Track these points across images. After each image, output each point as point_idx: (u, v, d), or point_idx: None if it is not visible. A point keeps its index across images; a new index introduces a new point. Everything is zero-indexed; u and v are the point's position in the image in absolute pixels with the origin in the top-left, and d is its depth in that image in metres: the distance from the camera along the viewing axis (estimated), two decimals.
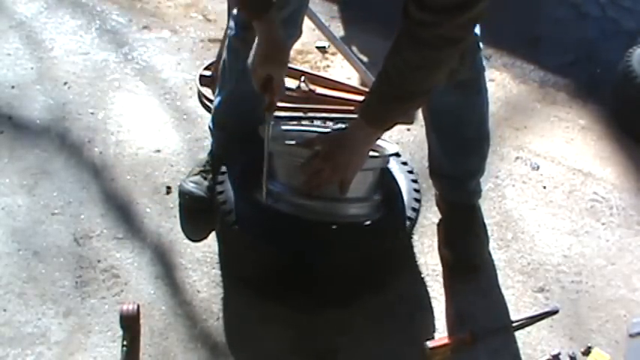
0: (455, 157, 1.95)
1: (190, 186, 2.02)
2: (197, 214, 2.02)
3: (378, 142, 1.77)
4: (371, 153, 1.78)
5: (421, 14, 1.30)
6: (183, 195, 2.03)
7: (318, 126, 2.01)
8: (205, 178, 2.02)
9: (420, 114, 2.13)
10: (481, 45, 1.76)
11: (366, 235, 1.70)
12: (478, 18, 1.33)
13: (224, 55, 1.97)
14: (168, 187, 2.12)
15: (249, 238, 1.69)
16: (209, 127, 2.10)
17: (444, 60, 1.39)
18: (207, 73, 2.51)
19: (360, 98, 2.12)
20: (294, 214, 1.65)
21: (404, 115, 1.55)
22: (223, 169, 1.83)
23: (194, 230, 2.01)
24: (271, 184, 1.71)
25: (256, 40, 1.61)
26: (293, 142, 1.75)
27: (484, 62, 1.82)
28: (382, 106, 1.48)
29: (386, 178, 1.86)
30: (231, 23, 1.88)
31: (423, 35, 1.34)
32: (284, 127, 1.93)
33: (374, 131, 1.55)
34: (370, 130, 1.54)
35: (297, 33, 1.87)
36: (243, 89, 1.94)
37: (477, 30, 1.71)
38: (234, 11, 1.85)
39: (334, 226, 1.68)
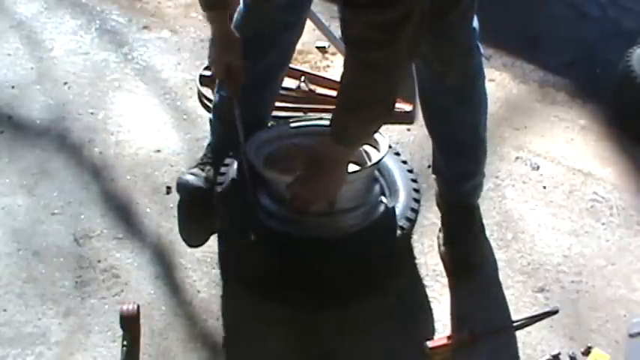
0: (449, 159, 1.96)
1: (188, 177, 2.00)
2: (195, 212, 2.01)
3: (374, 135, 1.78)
4: (365, 147, 1.79)
5: (344, 11, 1.30)
6: (181, 186, 2.01)
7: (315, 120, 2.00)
8: (203, 170, 2.01)
9: (420, 114, 2.13)
10: (481, 49, 1.75)
11: (365, 236, 1.70)
12: (402, 22, 1.25)
13: None
14: (168, 187, 2.12)
15: (249, 239, 1.69)
16: (210, 120, 2.10)
17: (379, 64, 1.33)
18: (207, 73, 2.51)
19: None
20: (288, 232, 1.66)
21: (368, 130, 1.50)
22: (223, 169, 1.83)
23: (191, 232, 2.00)
24: (264, 200, 1.72)
25: (211, 34, 1.78)
26: (276, 172, 1.75)
27: (483, 66, 1.81)
28: (344, 123, 1.46)
29: (384, 176, 1.86)
30: (240, 6, 1.88)
31: (349, 35, 1.32)
32: (285, 127, 1.93)
33: (346, 150, 1.53)
34: (342, 149, 1.52)
35: (300, 25, 1.89)
36: (245, 85, 1.94)
37: (476, 29, 1.71)
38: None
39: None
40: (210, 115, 2.11)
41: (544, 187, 2.26)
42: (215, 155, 2.01)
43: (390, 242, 1.73)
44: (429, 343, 1.75)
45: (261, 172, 1.73)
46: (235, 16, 1.92)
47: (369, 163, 1.76)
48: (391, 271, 1.84)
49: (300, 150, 1.84)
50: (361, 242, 1.68)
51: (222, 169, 1.83)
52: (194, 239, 1.98)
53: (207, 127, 2.16)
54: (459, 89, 1.78)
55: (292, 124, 1.94)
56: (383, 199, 1.80)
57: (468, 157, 1.95)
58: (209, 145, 2.10)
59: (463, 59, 1.72)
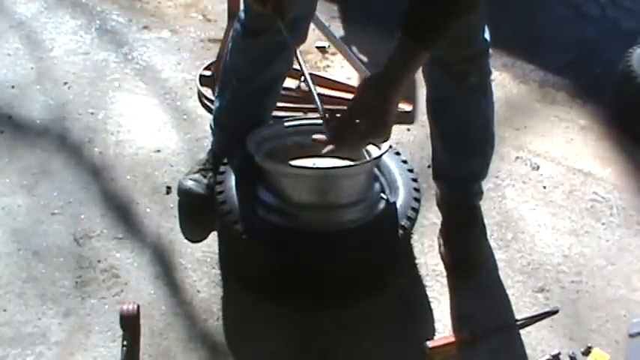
0: (459, 159, 1.95)
1: (189, 183, 2.01)
2: (195, 213, 2.02)
3: None
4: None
5: None
6: (182, 192, 2.03)
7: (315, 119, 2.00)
8: (205, 176, 2.02)
9: (422, 116, 2.13)
10: (490, 51, 1.77)
11: (365, 235, 1.70)
12: None
13: (227, 56, 1.97)
14: (169, 187, 2.12)
15: (249, 238, 1.69)
16: (210, 126, 2.10)
17: None
18: (207, 73, 2.51)
19: None
20: (288, 226, 1.66)
21: (449, 27, 1.35)
22: (223, 168, 1.83)
23: (193, 230, 2.01)
24: (264, 195, 1.71)
25: None
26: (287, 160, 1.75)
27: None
28: (429, 19, 1.33)
29: (384, 176, 1.86)
30: (237, 25, 1.88)
31: None
32: (285, 125, 1.93)
33: (423, 52, 1.38)
34: (421, 50, 1.36)
35: (302, 37, 1.88)
36: (247, 92, 1.95)
37: (487, 36, 1.72)
38: (242, 14, 1.86)
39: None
40: (210, 120, 2.11)
41: (544, 187, 2.26)
42: (216, 161, 2.01)
43: (391, 238, 1.73)
44: (429, 343, 1.75)
45: (262, 164, 1.73)
46: (233, 35, 1.91)
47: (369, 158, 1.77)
48: (393, 270, 1.84)
49: (298, 147, 1.84)
50: (363, 237, 1.68)
51: (222, 168, 1.83)
52: (195, 235, 1.99)
53: (207, 127, 2.16)
54: (478, 86, 1.79)
55: (292, 122, 1.94)
56: (383, 195, 1.80)
57: (478, 154, 1.95)
58: (210, 150, 2.10)
59: (484, 56, 1.73)
